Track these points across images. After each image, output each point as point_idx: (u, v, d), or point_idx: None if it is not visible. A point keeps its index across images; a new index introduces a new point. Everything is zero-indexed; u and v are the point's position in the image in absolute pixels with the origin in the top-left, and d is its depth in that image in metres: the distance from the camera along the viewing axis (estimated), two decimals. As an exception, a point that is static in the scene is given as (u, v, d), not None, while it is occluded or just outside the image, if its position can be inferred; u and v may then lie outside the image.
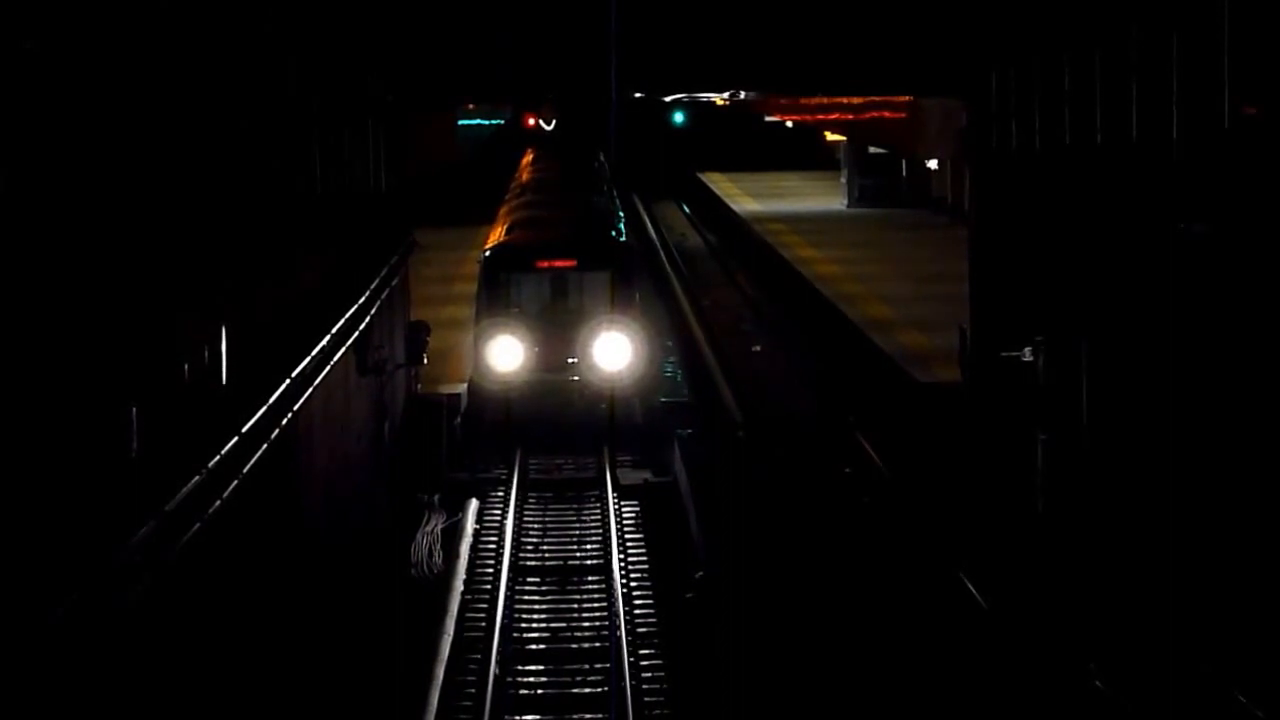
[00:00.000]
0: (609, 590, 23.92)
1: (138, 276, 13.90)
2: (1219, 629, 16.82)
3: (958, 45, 27.27)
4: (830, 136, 68.21)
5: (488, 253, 32.94)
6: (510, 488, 28.81)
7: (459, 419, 31.45)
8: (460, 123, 48.74)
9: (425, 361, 31.93)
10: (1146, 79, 18.87)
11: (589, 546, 26.48)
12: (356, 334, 24.28)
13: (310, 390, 19.90)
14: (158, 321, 14.45)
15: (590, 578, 25.01)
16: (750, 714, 19.39)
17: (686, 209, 75.86)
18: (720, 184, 75.15)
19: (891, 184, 65.02)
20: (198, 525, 14.18)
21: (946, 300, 32.66)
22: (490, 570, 24.97)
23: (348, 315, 23.49)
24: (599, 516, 27.77)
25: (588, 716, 20.33)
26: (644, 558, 25.61)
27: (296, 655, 18.94)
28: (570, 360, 31.37)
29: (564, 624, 23.25)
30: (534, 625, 23.25)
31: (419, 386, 32.35)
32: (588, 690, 20.99)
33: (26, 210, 11.53)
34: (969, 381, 27.78)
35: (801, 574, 23.66)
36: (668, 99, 36.65)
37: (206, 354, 16.03)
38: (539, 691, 21.07)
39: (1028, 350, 23.04)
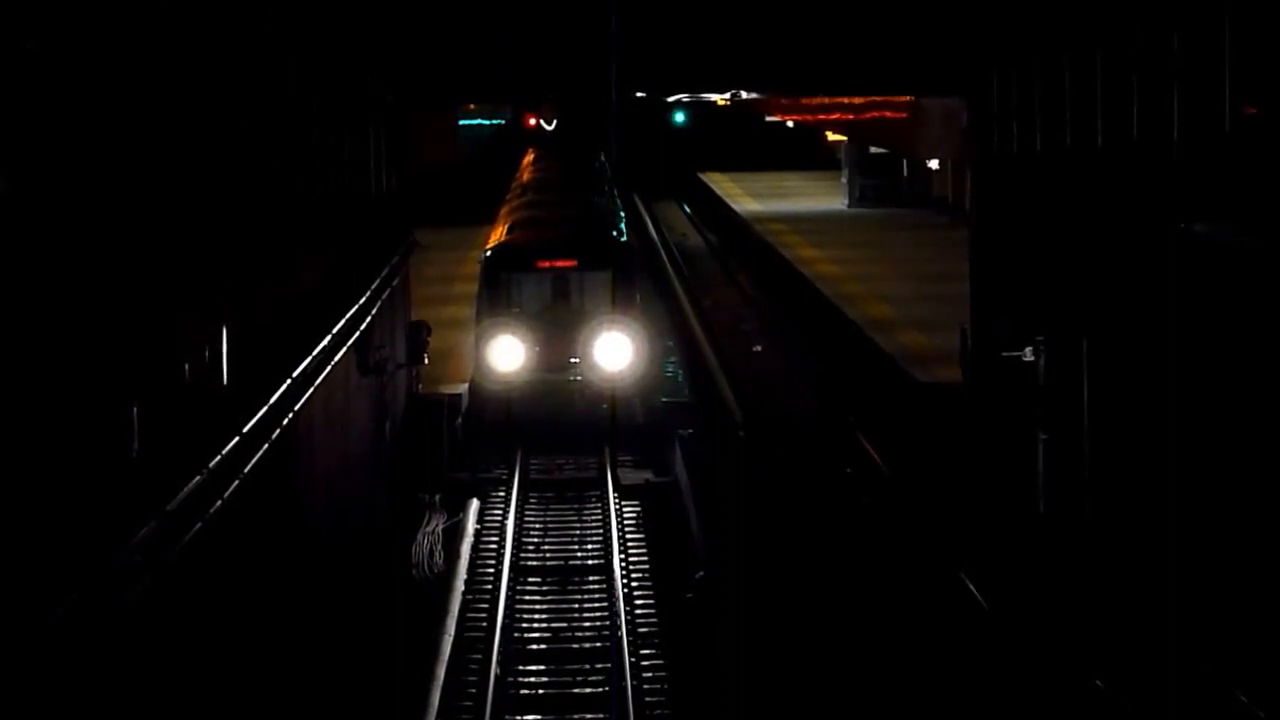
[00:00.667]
0: (610, 590, 23.92)
1: (138, 276, 13.89)
2: (1219, 629, 16.81)
3: (959, 45, 27.26)
4: (831, 136, 68.20)
5: (488, 253, 32.94)
6: (511, 488, 28.81)
7: (460, 419, 31.45)
8: (461, 123, 48.75)
9: (426, 361, 31.94)
10: (1147, 79, 18.87)
11: (590, 546, 26.48)
12: (357, 334, 24.28)
13: (311, 390, 19.90)
14: (158, 321, 14.44)
15: (591, 578, 25.01)
16: (751, 714, 19.39)
17: (687, 209, 75.86)
18: (721, 184, 75.15)
19: (892, 184, 65.03)
20: (198, 525, 14.18)
21: (947, 300, 32.66)
22: (491, 570, 24.97)
23: (348, 315, 23.49)
24: (600, 516, 27.76)
25: (588, 716, 20.33)
26: (645, 558, 25.61)
27: (297, 655, 18.94)
28: (572, 360, 31.38)
29: (565, 624, 23.25)
30: (535, 625, 23.24)
31: (420, 386, 32.35)
32: (588, 690, 20.99)
33: (28, 210, 11.53)
34: (970, 382, 27.77)
35: (802, 574, 23.66)
36: (668, 99, 36.67)
37: (207, 354, 16.03)
38: (540, 691, 21.07)
39: (1029, 350, 23.04)
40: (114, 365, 13.11)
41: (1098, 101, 20.50)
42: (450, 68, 28.46)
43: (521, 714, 20.45)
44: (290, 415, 18.35)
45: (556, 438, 31.48)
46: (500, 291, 32.01)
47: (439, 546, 25.85)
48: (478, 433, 31.78)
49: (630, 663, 21.09)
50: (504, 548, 25.76)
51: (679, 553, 25.70)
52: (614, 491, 28.53)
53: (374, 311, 26.12)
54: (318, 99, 23.62)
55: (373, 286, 26.52)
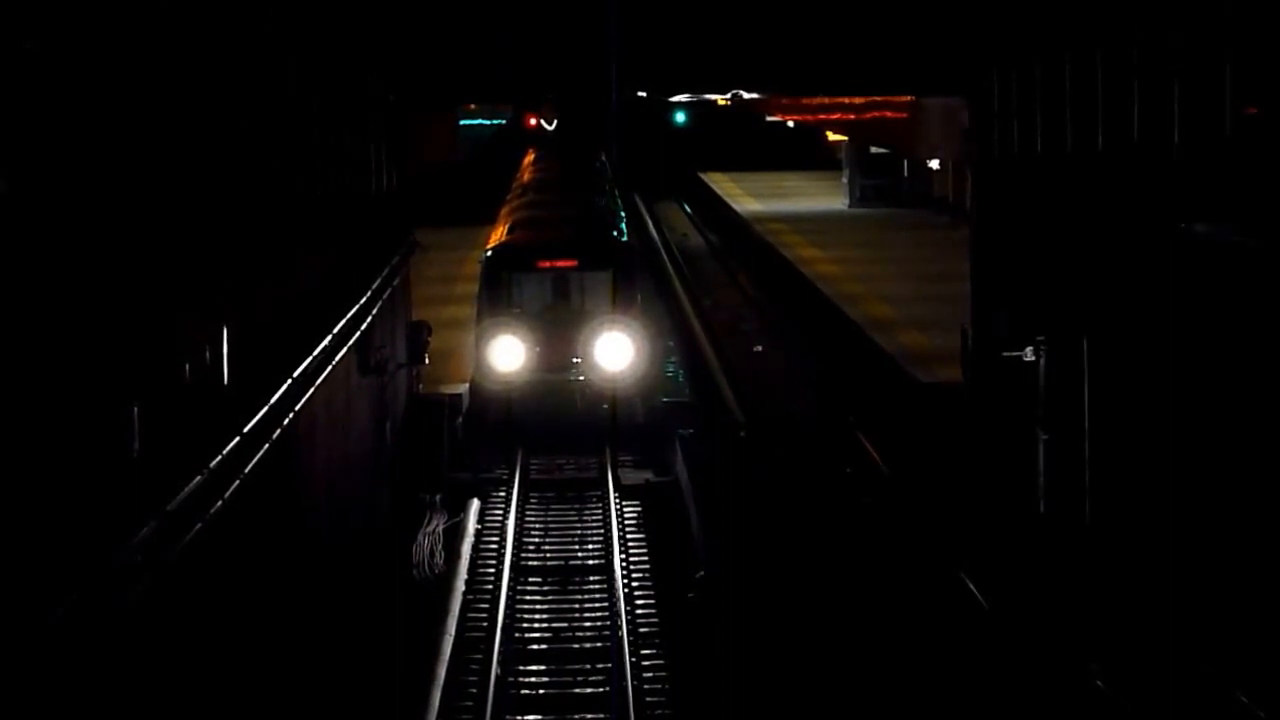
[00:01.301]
0: (610, 590, 23.92)
1: (139, 276, 13.89)
2: (1219, 629, 16.81)
3: (959, 45, 27.26)
4: (832, 136, 68.23)
5: (489, 253, 32.94)
6: (512, 488, 28.80)
7: (460, 419, 31.45)
8: (461, 123, 48.79)
9: (426, 361, 31.93)
10: (1148, 79, 18.87)
11: (590, 546, 26.48)
12: (358, 334, 24.28)
13: (311, 390, 19.90)
14: (159, 321, 14.44)
15: (592, 578, 25.00)
16: (751, 714, 19.39)
17: (688, 209, 75.88)
18: (721, 184, 75.18)
19: (893, 184, 65.06)
20: (199, 525, 14.18)
21: (948, 300, 32.66)
22: (492, 570, 24.96)
23: (349, 315, 23.48)
24: (600, 516, 27.76)
25: (589, 717, 20.33)
26: (645, 558, 25.61)
27: (298, 655, 18.94)
28: (575, 360, 31.38)
29: (565, 624, 23.25)
30: (535, 625, 23.24)
31: (420, 386, 32.35)
32: (589, 690, 20.99)
33: (28, 211, 11.53)
34: (970, 382, 27.77)
35: (802, 574, 23.66)
36: (669, 99, 36.65)
37: (208, 354, 16.03)
38: (540, 691, 21.07)
39: (1029, 350, 23.04)
40: (114, 365, 13.11)
41: (1098, 102, 20.50)
42: (450, 68, 28.47)
43: (522, 714, 20.45)
44: (291, 415, 18.35)
45: (557, 438, 31.48)
46: (501, 291, 32.01)
47: (439, 546, 25.85)
48: (478, 433, 31.78)
49: (631, 663, 21.09)
50: (504, 548, 25.76)
51: (679, 553, 25.70)
52: (614, 491, 28.53)
53: (374, 311, 26.12)
54: (318, 99, 23.62)
55: (373, 286, 26.52)
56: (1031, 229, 24.18)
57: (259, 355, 17.99)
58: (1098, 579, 20.47)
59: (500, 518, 27.46)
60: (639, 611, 23.13)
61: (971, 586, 21.94)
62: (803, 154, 79.95)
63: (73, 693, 11.34)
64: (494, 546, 26.06)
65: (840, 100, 43.84)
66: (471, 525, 26.54)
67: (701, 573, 24.22)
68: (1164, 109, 18.28)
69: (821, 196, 68.37)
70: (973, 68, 26.82)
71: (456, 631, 22.06)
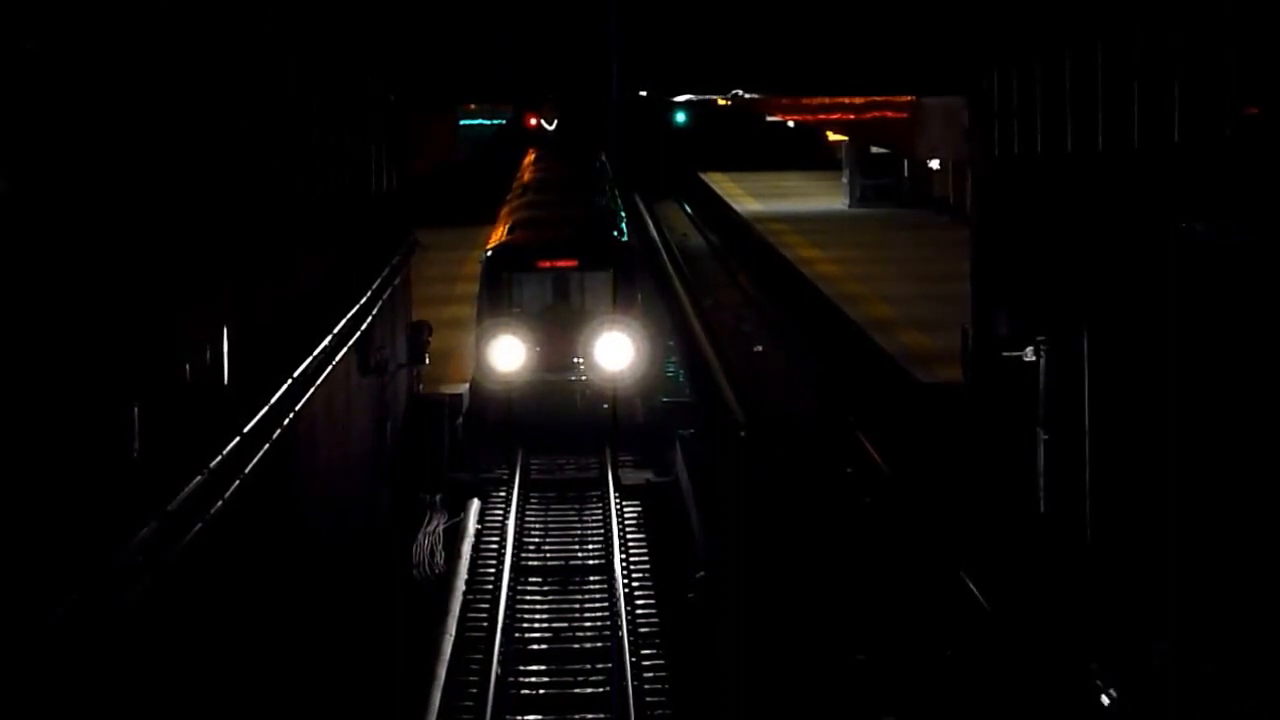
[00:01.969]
0: (610, 590, 23.91)
1: (139, 276, 13.89)
2: (1219, 629, 16.81)
3: (959, 45, 27.26)
4: (832, 136, 68.22)
5: (489, 252, 32.95)
6: (512, 488, 28.80)
7: (460, 419, 31.45)
8: (461, 123, 48.74)
9: (427, 361, 31.93)
10: (1148, 79, 18.87)
11: (591, 546, 26.47)
12: (358, 334, 24.28)
13: (312, 390, 19.89)
14: (159, 321, 14.44)
15: (592, 578, 25.00)
16: (751, 713, 19.38)
17: (688, 209, 75.87)
18: (722, 184, 75.16)
19: (893, 184, 65.04)
20: (199, 525, 14.17)
21: (948, 300, 32.66)
22: (492, 570, 24.96)
23: (349, 315, 23.48)
24: (600, 516, 27.76)
25: (589, 717, 20.32)
26: (645, 558, 25.61)
27: (298, 655, 18.94)
28: (576, 360, 31.38)
29: (566, 624, 23.25)
30: (535, 625, 23.24)
31: (420, 387, 32.34)
32: (589, 690, 20.98)
33: (28, 210, 11.53)
34: (970, 382, 27.77)
35: (803, 574, 23.66)
36: (669, 99, 36.66)
37: (208, 354, 16.03)
38: (540, 691, 21.06)
39: (1029, 350, 23.04)
40: (114, 365, 13.11)
41: (1098, 102, 20.50)
42: (450, 68, 28.46)
43: (522, 714, 20.44)
44: (291, 415, 18.34)
45: (557, 438, 31.47)
46: (501, 291, 32.02)
47: (440, 546, 25.85)
48: (478, 433, 31.78)
49: (631, 663, 21.08)
50: (505, 548, 25.75)
51: (680, 553, 25.70)
52: (615, 491, 28.53)
53: (375, 311, 26.12)
54: (318, 99, 23.62)
55: (373, 286, 26.51)
56: (1031, 229, 24.18)
57: (259, 355, 17.98)
58: (1098, 579, 20.47)
59: (500, 518, 27.46)
60: (639, 611, 23.13)
61: (972, 586, 21.94)
62: (803, 154, 79.93)
63: (73, 693, 11.33)
64: (494, 546, 26.06)
65: (840, 100, 43.81)
66: (472, 525, 26.54)
67: (702, 573, 24.21)
68: (1164, 109, 18.27)
69: (822, 196, 68.36)
70: (973, 68, 26.81)
71: (457, 631, 22.06)
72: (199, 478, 14.35)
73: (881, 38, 27.94)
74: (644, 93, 30.07)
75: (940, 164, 58.13)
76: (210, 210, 16.57)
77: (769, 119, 68.61)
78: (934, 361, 31.32)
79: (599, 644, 22.35)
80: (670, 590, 24.01)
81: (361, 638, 21.67)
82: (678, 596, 23.73)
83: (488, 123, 56.98)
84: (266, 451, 16.83)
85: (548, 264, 32.17)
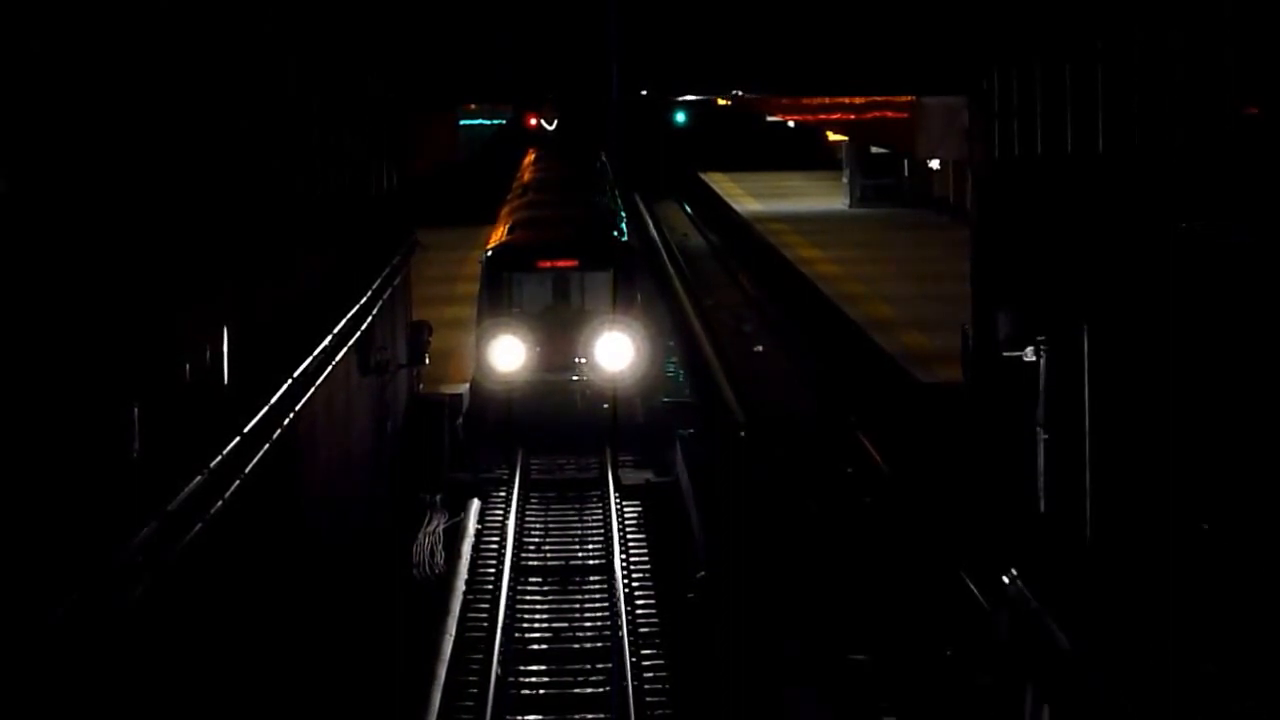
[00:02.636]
0: (611, 590, 23.91)
1: (139, 276, 13.89)
2: (1220, 629, 16.81)
3: (960, 45, 27.25)
4: (832, 136, 68.20)
5: (489, 253, 32.95)
6: (512, 488, 28.80)
7: (460, 419, 31.45)
8: (461, 123, 48.69)
9: (427, 362, 31.93)
10: (1148, 79, 18.87)
11: (591, 546, 26.48)
12: (358, 334, 24.28)
13: (312, 390, 19.89)
14: (159, 321, 14.44)
15: (592, 578, 25.00)
16: (751, 713, 19.39)
17: (688, 209, 75.87)
18: (722, 184, 75.16)
19: (893, 184, 65.03)
20: (199, 525, 14.17)
21: (948, 300, 32.65)
22: (492, 570, 24.96)
23: (349, 315, 23.48)
24: (600, 516, 27.76)
25: (589, 717, 20.32)
26: (645, 558, 25.61)
27: (298, 655, 18.94)
28: (578, 360, 31.39)
29: (566, 624, 23.25)
30: (536, 625, 23.24)
31: (421, 387, 32.34)
32: (589, 690, 20.99)
33: (28, 210, 11.53)
34: (971, 382, 27.77)
35: (803, 573, 23.67)
36: (669, 99, 36.66)
37: (208, 354, 16.03)
38: (541, 691, 21.06)
39: (1029, 350, 23.03)
40: (114, 365, 13.11)
41: (1099, 102, 20.49)
42: (450, 68, 28.45)
43: (522, 714, 20.44)
44: (291, 415, 18.34)
45: (557, 438, 31.47)
46: (501, 291, 32.02)
47: (440, 546, 25.85)
48: (478, 433, 31.78)
49: (631, 663, 21.08)
50: (505, 548, 25.75)
51: (680, 552, 25.70)
52: (615, 491, 28.53)
53: (375, 311, 26.12)
54: (318, 99, 23.62)
55: (374, 286, 26.52)
56: (1032, 229, 24.18)
57: (259, 355, 17.98)
58: (1098, 578, 20.46)
59: (500, 518, 27.46)
60: (639, 611, 23.13)
61: (971, 586, 21.94)
62: (803, 154, 79.93)
63: (73, 693, 11.33)
64: (494, 546, 26.06)
65: (840, 100, 43.78)
66: (472, 525, 26.54)
67: (702, 573, 24.21)
68: (1164, 109, 18.27)
69: (822, 196, 68.35)
70: (973, 67, 26.80)
71: (457, 631, 22.06)
72: (199, 478, 14.35)
73: (882, 38, 27.94)
74: (644, 93, 30.08)
75: (940, 164, 58.11)
76: (210, 210, 16.57)
77: (769, 119, 68.60)
78: (934, 361, 31.32)
79: (599, 644, 22.35)
80: (670, 590, 24.01)
81: (362, 638, 21.67)
82: (678, 596, 23.73)
83: (488, 123, 56.96)
84: (267, 451, 16.83)
85: (548, 264, 32.17)
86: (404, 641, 21.56)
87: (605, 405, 31.96)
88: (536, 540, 26.84)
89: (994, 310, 26.32)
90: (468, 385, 32.22)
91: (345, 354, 23.04)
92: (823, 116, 48.70)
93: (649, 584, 24.37)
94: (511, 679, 21.16)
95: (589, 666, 21.64)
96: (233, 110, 17.78)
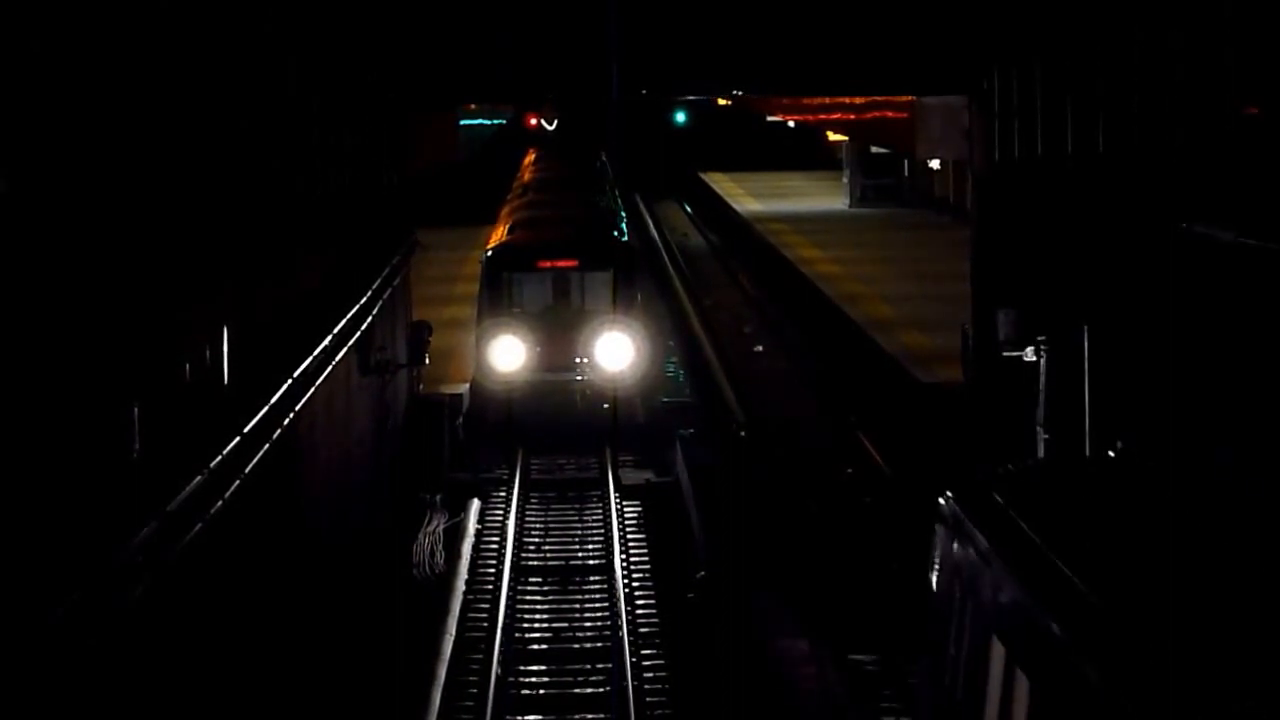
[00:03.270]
0: (611, 590, 23.91)
1: (139, 276, 13.89)
2: (1221, 629, 16.79)
3: (960, 45, 27.25)
4: (832, 136, 68.22)
5: (489, 253, 32.95)
6: (512, 488, 28.79)
7: (460, 419, 31.44)
8: (462, 123, 48.71)
9: (427, 362, 31.93)
10: (1149, 79, 18.86)
11: (591, 546, 26.47)
12: (358, 334, 24.28)
13: (312, 390, 19.89)
14: (159, 321, 14.44)
15: (592, 578, 24.99)
16: (751, 713, 19.38)
17: (688, 209, 75.88)
18: (722, 184, 75.17)
19: (893, 184, 65.04)
20: (199, 525, 14.17)
21: (948, 300, 32.65)
22: (492, 570, 24.96)
23: (349, 315, 23.48)
24: (601, 516, 27.76)
25: (589, 717, 20.32)
26: (645, 557, 25.60)
27: (298, 655, 18.94)
28: (579, 360, 31.38)
29: (566, 624, 23.24)
30: (536, 625, 23.24)
31: (421, 387, 32.34)
32: (589, 690, 20.98)
33: (29, 211, 11.53)
34: (971, 381, 27.76)
35: (803, 573, 23.67)
36: (669, 99, 36.67)
37: (208, 354, 16.03)
38: (541, 691, 21.06)
39: (1029, 350, 23.04)
40: (115, 365, 13.11)
41: (1099, 102, 20.49)
42: (450, 68, 28.45)
43: (522, 714, 20.44)
44: (291, 415, 18.34)
45: (557, 438, 31.47)
46: (501, 291, 32.01)
47: (440, 546, 25.85)
48: (478, 433, 31.78)
49: (631, 663, 21.08)
50: (505, 548, 25.75)
51: (680, 552, 25.69)
52: (615, 491, 28.52)
53: (375, 311, 26.12)
54: (318, 99, 23.62)
55: (374, 286, 26.51)
56: (1032, 229, 24.18)
57: (259, 355, 17.98)
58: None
59: (500, 518, 27.46)
60: (639, 611, 23.12)
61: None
62: (803, 154, 79.95)
63: (73, 693, 11.33)
64: (494, 546, 26.05)
65: (841, 100, 43.79)
66: (472, 525, 26.54)
67: (702, 572, 24.21)
68: (1164, 109, 18.27)
69: (822, 196, 68.36)
70: (974, 68, 26.80)
71: (457, 631, 22.05)
72: (199, 478, 14.35)
73: (882, 37, 27.94)
74: (644, 93, 30.08)
75: (940, 164, 58.11)
76: (211, 210, 16.57)
77: (769, 119, 68.62)
78: (934, 361, 31.32)
79: (599, 644, 22.34)
80: (670, 590, 24.00)
81: (362, 637, 21.66)
82: (678, 596, 23.72)
83: (488, 122, 56.99)
84: (266, 451, 16.83)
85: (548, 264, 32.17)
86: (404, 641, 21.55)
87: (605, 405, 31.95)
88: (536, 540, 26.83)
89: (994, 310, 26.32)
90: (468, 385, 32.22)
91: (345, 354, 23.04)
92: (823, 116, 48.71)
93: (649, 584, 24.36)
94: (511, 679, 21.16)
95: (589, 666, 21.63)
96: (233, 110, 17.78)
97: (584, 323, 31.57)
